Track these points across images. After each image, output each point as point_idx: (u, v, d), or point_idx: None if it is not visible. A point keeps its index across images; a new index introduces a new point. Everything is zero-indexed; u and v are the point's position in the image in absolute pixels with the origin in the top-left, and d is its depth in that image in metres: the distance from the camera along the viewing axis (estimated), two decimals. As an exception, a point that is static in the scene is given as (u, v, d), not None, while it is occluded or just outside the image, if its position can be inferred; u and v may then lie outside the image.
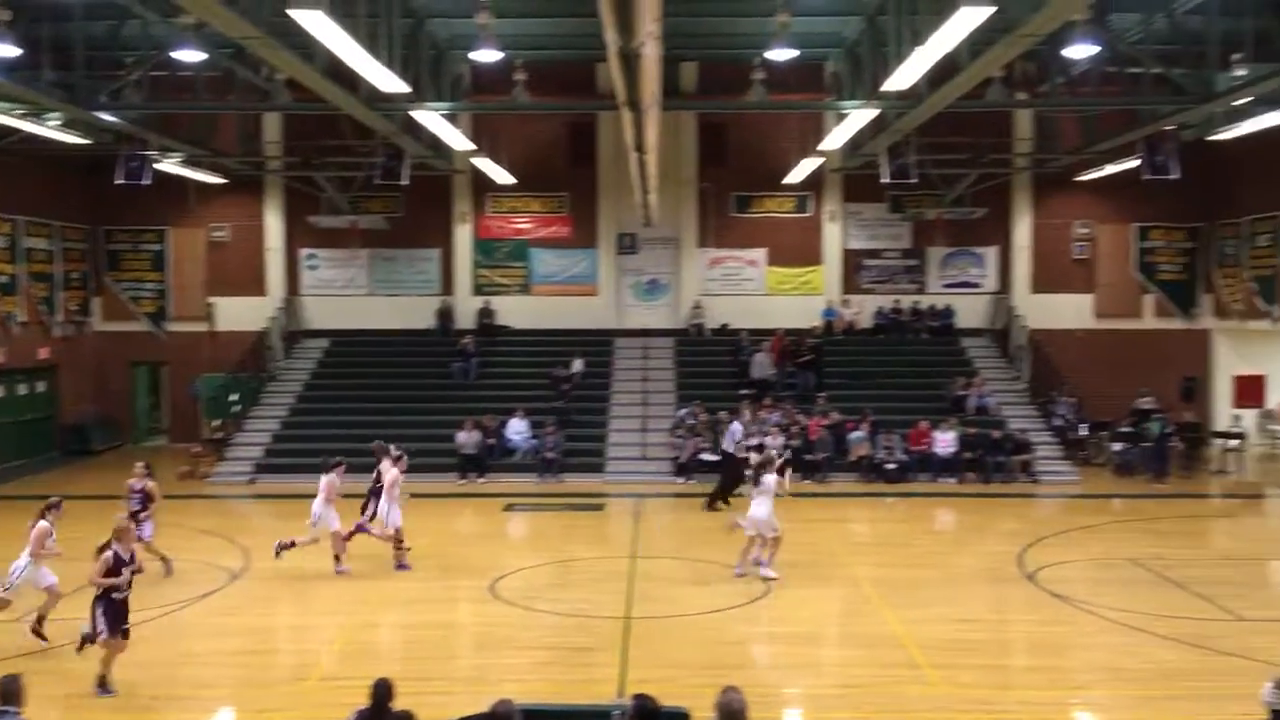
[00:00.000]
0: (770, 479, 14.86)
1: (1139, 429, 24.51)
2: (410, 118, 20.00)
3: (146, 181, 20.62)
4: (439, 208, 28.80)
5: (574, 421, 24.87)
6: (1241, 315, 26.98)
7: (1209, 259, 28.44)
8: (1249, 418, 26.74)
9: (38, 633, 11.73)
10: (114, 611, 10.48)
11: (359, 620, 13.23)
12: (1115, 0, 19.53)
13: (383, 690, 7.09)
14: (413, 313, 28.66)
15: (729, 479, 20.33)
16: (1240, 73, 18.16)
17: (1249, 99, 18.37)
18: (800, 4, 19.59)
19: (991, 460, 23.28)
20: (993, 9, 10.67)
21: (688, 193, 28.59)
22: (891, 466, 23.18)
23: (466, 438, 23.24)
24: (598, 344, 27.90)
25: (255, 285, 28.95)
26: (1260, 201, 25.83)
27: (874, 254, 29.18)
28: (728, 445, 21.07)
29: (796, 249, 28.94)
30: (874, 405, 24.53)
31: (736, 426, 21.51)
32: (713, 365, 27.35)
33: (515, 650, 11.93)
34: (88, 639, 10.76)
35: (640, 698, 6.39)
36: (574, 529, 18.99)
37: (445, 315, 28.73)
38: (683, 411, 24.67)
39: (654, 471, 23.56)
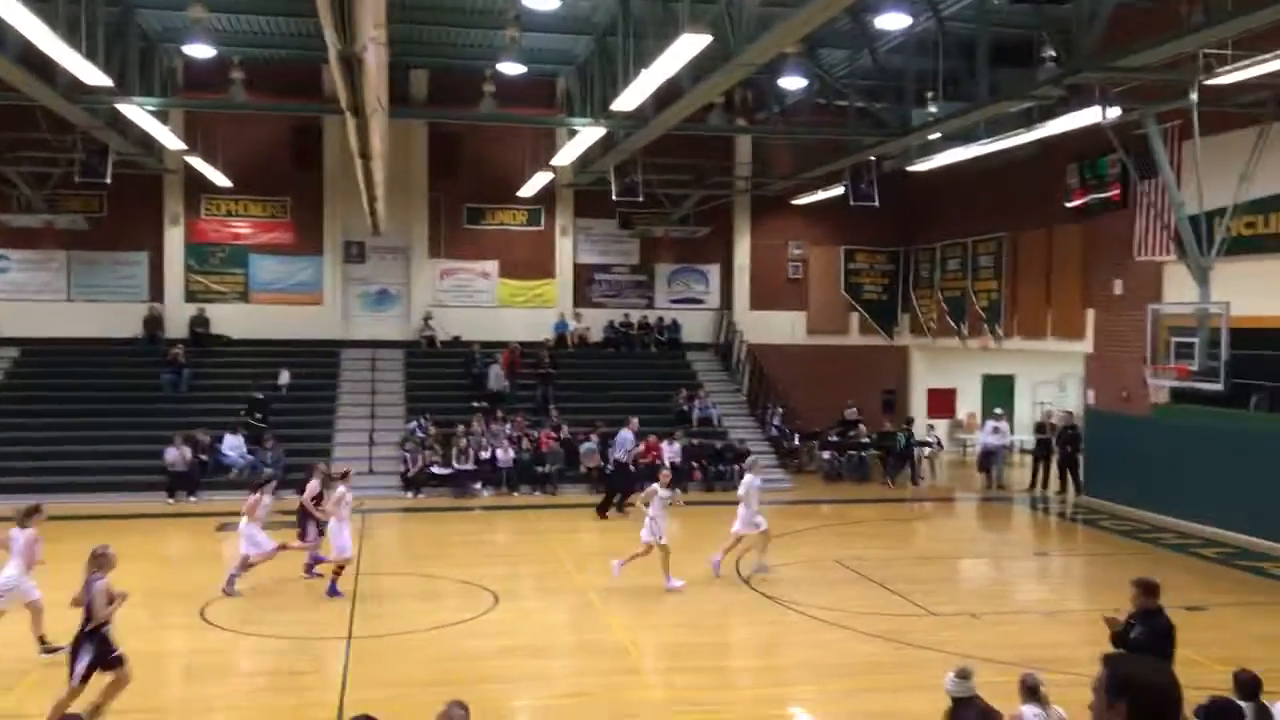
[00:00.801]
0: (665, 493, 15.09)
1: (847, 437, 26.27)
2: (117, 112, 18.69)
3: None
4: (148, 209, 27.05)
5: (295, 436, 23.91)
6: (935, 333, 29.35)
7: (907, 281, 30.77)
8: (941, 428, 29.18)
9: (50, 648, 11.07)
10: (105, 646, 9.38)
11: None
12: (825, 37, 20.85)
13: None
14: (117, 320, 26.73)
15: (620, 488, 21.20)
16: (933, 109, 19.80)
17: (940, 134, 20.04)
18: (531, 20, 19.77)
19: (714, 469, 24.23)
20: (710, 38, 11.13)
21: (418, 202, 28.18)
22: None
23: (176, 454, 21.88)
24: (323, 355, 27.00)
25: (-68, 288, 26.20)
26: (951, 229, 28.24)
27: (605, 269, 29.77)
28: (619, 455, 22.06)
29: (529, 262, 29.11)
30: (604, 417, 24.97)
31: (627, 435, 22.18)
32: (444, 377, 27.06)
33: (227, 678, 11.33)
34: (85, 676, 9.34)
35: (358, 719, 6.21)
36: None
37: (153, 323, 26.97)
38: (412, 424, 24.27)
39: (382, 486, 22.99)
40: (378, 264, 28.49)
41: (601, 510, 20.99)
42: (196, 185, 26.59)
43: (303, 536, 16.02)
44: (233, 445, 23.04)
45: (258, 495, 14.96)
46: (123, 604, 9.70)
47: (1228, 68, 14.19)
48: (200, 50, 16.40)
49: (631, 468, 22.26)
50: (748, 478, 15.92)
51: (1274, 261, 17.91)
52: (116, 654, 9.52)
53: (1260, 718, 7.19)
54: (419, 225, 28.33)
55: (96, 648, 9.33)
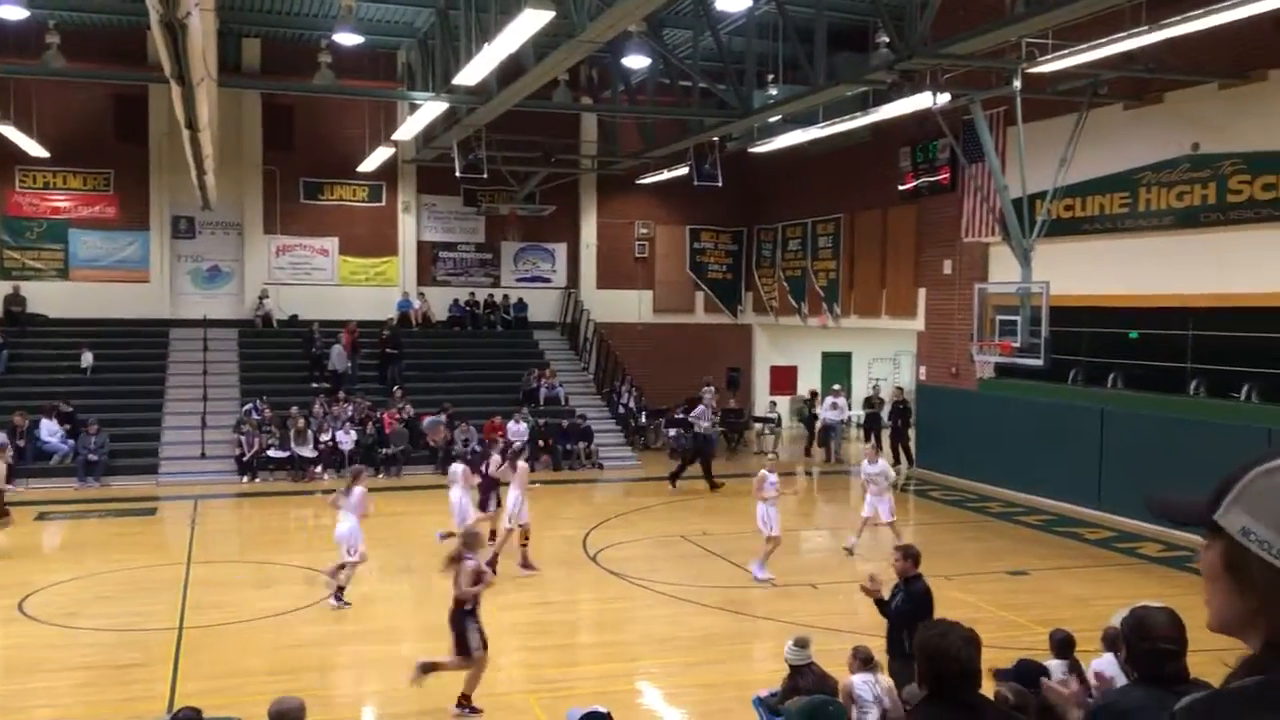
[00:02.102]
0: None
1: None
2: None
3: None
4: (-46, 181, 25.31)
5: (120, 421, 22.82)
6: (777, 312, 30.01)
7: (750, 260, 31.34)
8: (783, 404, 29.88)
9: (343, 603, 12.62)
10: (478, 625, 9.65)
11: None
12: (668, 17, 20.97)
13: None
14: (-79, 299, 24.97)
15: (696, 458, 21.71)
16: (773, 92, 20.17)
17: (780, 116, 20.43)
18: (370, -11, 19.27)
19: (561, 448, 24.24)
20: (553, 13, 11.04)
21: (252, 176, 27.16)
22: (467, 457, 23.38)
23: (-10, 440, 20.60)
24: (150, 335, 25.82)
25: None
26: (792, 210, 28.88)
27: (449, 247, 29.34)
28: (699, 428, 22.20)
29: (370, 239, 28.43)
30: (449, 397, 24.67)
31: (702, 408, 22.30)
32: (281, 357, 26.24)
33: (49, 673, 10.75)
34: (435, 667, 9.66)
35: (182, 711, 5.98)
36: (121, 536, 17.42)
37: (-36, 302, 25.30)
38: (248, 406, 23.46)
39: (215, 471, 22.18)
40: (209, 240, 27.36)
41: (673, 478, 21.64)
42: (10, 156, 24.94)
43: (484, 507, 15.66)
44: (51, 431, 21.84)
45: (361, 489, 13.45)
46: (487, 586, 9.95)
47: (1048, 57, 14.87)
48: (11, 11, 15.35)
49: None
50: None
51: (1090, 243, 18.96)
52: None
53: (1074, 673, 7.61)
54: (253, 200, 27.31)
55: (474, 621, 9.63)
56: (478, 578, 9.68)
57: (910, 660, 7.63)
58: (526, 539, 14.92)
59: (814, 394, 27.64)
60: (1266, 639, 1.41)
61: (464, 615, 9.66)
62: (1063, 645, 7.89)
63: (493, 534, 15.18)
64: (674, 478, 21.74)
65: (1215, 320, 17.05)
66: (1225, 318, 16.85)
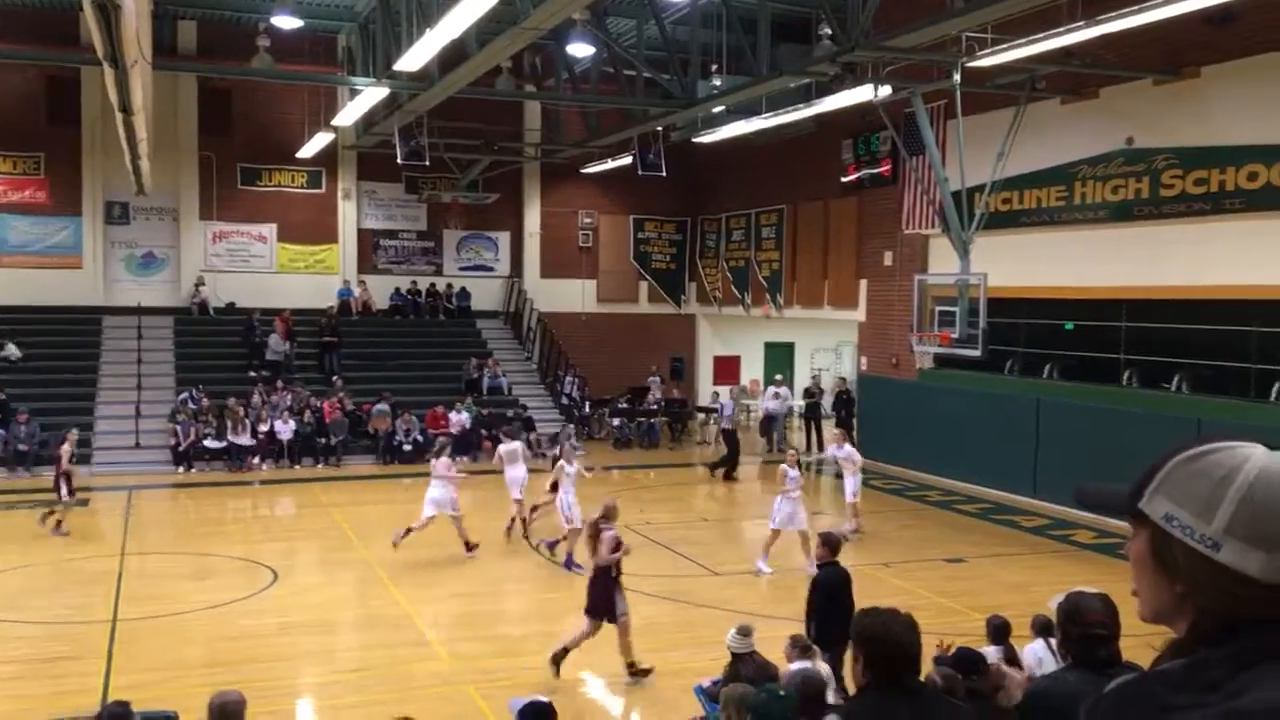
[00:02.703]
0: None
1: (640, 405, 26.63)
2: None
3: None
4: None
5: (52, 410, 22.31)
6: (720, 302, 30.11)
7: (694, 250, 31.41)
8: (726, 393, 29.94)
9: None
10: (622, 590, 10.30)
11: None
12: (612, 5, 20.90)
13: None
14: None
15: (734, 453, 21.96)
16: (717, 82, 20.21)
17: (723, 107, 20.48)
18: (310, -28, 19.00)
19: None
20: (496, 0, 10.96)
21: (188, 161, 26.64)
22: (408, 447, 23.25)
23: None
24: (82, 322, 25.26)
25: None
26: (735, 200, 28.98)
27: (391, 234, 29.04)
28: (725, 425, 22.64)
29: (309, 226, 28.04)
30: (390, 386, 24.45)
31: (728, 402, 22.72)
32: (218, 346, 25.83)
33: (-25, 668, 10.50)
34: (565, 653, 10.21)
35: (111, 705, 5.87)
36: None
37: (-114, 288, 24.55)
38: (183, 395, 23.07)
39: (150, 461, 21.79)
40: (144, 226, 26.81)
41: (727, 473, 21.76)
42: (-66, 138, 24.29)
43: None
44: (-20, 420, 21.33)
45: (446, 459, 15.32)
46: (626, 554, 10.38)
47: (987, 51, 15.04)
48: (-65, -12, 14.93)
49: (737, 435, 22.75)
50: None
51: (1026, 235, 19.25)
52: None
53: (1009, 659, 7.75)
54: (189, 185, 26.79)
55: (602, 589, 10.20)
56: (616, 545, 10.28)
57: (810, 648, 7.75)
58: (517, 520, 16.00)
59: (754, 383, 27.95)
60: (1191, 623, 1.44)
61: (609, 581, 10.28)
62: (999, 631, 8.02)
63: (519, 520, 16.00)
64: (715, 468, 22.11)
65: (1148, 312, 17.42)
66: (1158, 310, 17.21)
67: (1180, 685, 1.38)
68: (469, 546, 14.82)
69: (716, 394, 29.01)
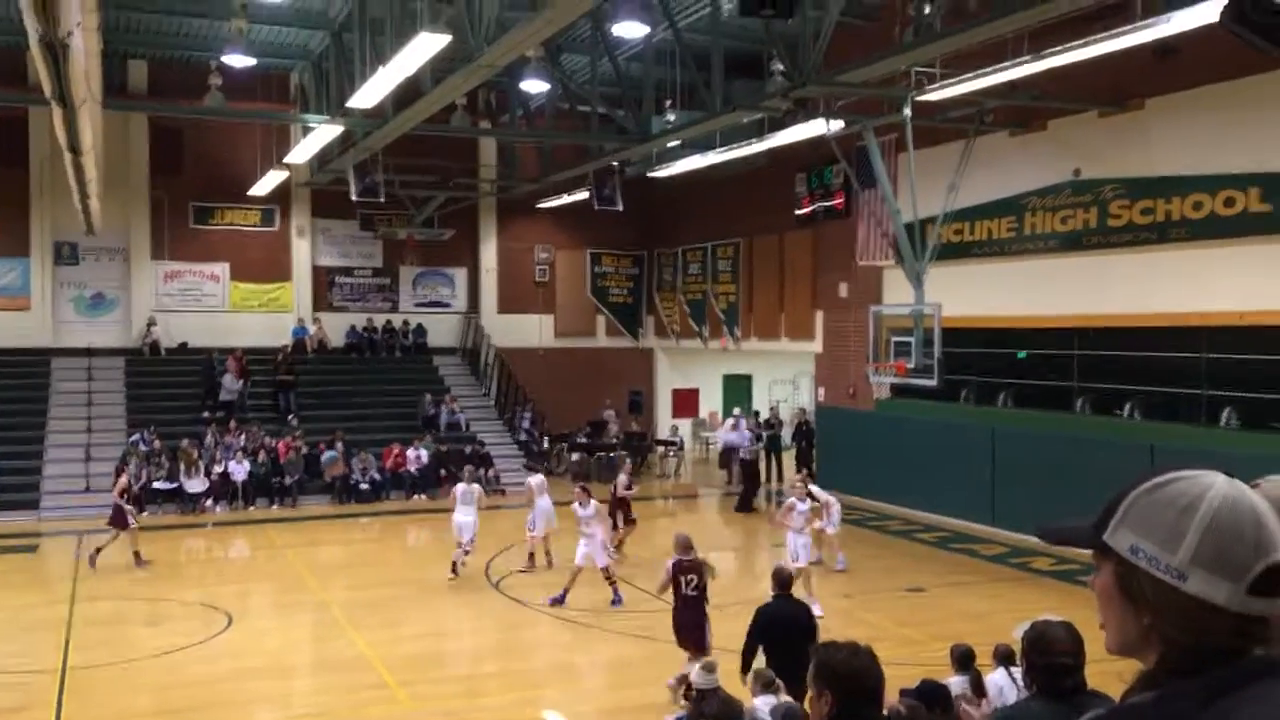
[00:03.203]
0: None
1: (598, 439, 26.52)
2: None
3: None
4: None
5: (1, 453, 21.85)
6: (678, 335, 30.17)
7: (651, 284, 31.47)
8: (685, 426, 30.01)
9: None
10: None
11: None
12: (566, 42, 21.01)
13: None
14: None
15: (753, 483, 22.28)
16: (671, 118, 20.35)
17: (678, 141, 20.62)
18: (260, 12, 18.95)
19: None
20: (449, 38, 10.97)
21: (139, 200, 26.34)
22: (365, 486, 22.99)
23: None
24: (31, 364, 24.81)
25: None
26: (692, 233, 29.11)
27: (346, 271, 28.86)
28: (745, 455, 22.86)
29: (263, 264, 27.79)
30: (346, 425, 24.21)
31: (745, 434, 23.10)
32: (170, 386, 25.44)
33: (-82, 724, 10.20)
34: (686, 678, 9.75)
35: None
36: (-1, 575, 16.65)
37: None
38: (135, 437, 22.66)
39: (100, 505, 21.19)
40: (93, 266, 26.44)
41: (742, 504, 21.92)
42: (-124, 179, 23.84)
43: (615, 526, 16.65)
44: (-76, 466, 20.82)
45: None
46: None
47: (936, 85, 15.28)
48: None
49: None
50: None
51: (979, 266, 19.50)
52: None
53: (975, 687, 7.74)
54: (140, 225, 26.48)
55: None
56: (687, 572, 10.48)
57: (773, 682, 7.68)
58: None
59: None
60: (1160, 654, 1.44)
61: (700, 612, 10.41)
62: (963, 660, 8.02)
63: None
64: (741, 504, 22.15)
65: (1099, 340, 17.67)
66: (1109, 337, 17.46)
67: (1151, 718, 1.37)
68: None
69: (675, 427, 29.03)
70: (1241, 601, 1.39)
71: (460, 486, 16.26)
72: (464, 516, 15.75)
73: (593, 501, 14.50)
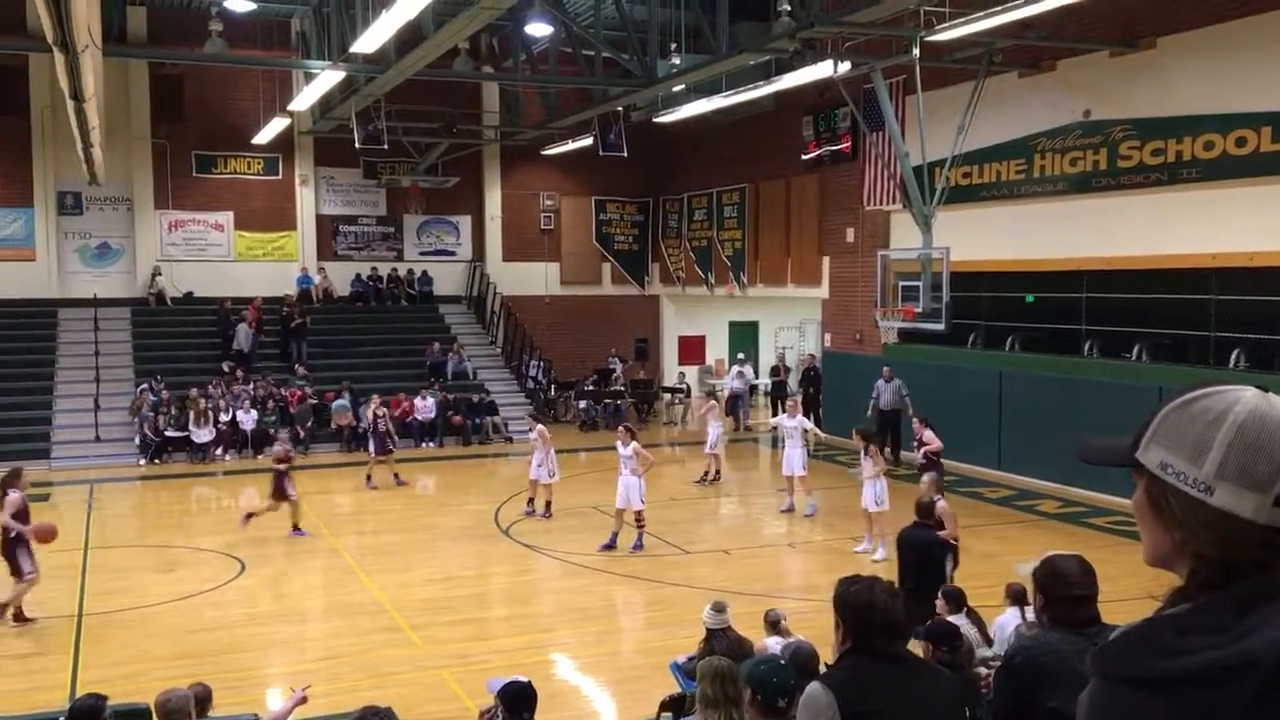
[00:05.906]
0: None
1: (604, 386, 26.57)
2: None
3: None
4: None
5: (6, 405, 21.95)
6: (684, 282, 30.09)
7: (657, 231, 31.34)
8: (692, 374, 30.01)
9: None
10: None
11: None
12: (570, -16, 20.67)
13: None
14: None
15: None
16: (676, 61, 20.12)
17: (683, 86, 20.40)
18: (262, -46, 18.69)
19: (470, 422, 24.02)
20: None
21: (141, 149, 26.21)
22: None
23: None
24: (38, 315, 24.85)
25: None
26: (697, 180, 28.93)
27: (350, 220, 28.76)
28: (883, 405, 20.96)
29: (267, 213, 27.70)
30: (354, 374, 24.26)
31: (882, 384, 21.44)
32: (177, 336, 25.49)
33: (-62, 668, 10.33)
34: None
35: (84, 698, 5.78)
36: (13, 525, 16.76)
37: None
38: (143, 387, 22.76)
39: (110, 454, 21.49)
40: (97, 216, 26.37)
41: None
42: (-122, 129, 23.73)
43: None
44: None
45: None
46: None
47: (945, 25, 15.07)
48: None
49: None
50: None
51: (988, 209, 19.37)
52: None
53: (974, 623, 7.98)
54: (143, 174, 26.37)
55: None
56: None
57: (779, 623, 7.82)
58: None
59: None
60: (1191, 568, 1.44)
61: None
62: (955, 599, 8.24)
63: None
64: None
65: (1107, 283, 17.58)
66: (1117, 280, 17.38)
67: (1188, 628, 1.38)
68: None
69: (682, 374, 29.06)
70: (1269, 514, 1.39)
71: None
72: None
73: (634, 442, 14.45)
